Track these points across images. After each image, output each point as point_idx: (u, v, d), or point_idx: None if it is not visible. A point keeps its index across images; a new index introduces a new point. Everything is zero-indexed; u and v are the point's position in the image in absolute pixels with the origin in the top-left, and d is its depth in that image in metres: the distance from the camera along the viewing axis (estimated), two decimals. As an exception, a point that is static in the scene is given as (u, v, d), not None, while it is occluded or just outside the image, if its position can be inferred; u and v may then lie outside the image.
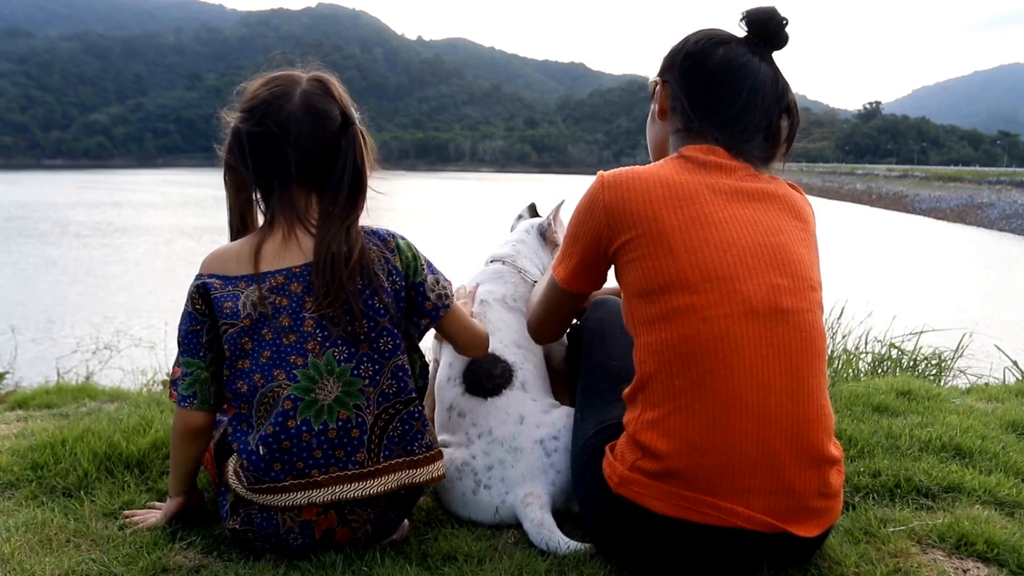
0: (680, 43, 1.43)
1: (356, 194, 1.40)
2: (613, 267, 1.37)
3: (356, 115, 1.45)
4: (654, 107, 1.48)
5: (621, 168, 1.35)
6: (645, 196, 1.28)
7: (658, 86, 1.46)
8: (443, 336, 1.58)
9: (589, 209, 1.34)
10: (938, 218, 38.38)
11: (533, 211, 2.18)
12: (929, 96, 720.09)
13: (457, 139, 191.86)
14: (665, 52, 1.47)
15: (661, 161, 1.36)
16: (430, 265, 1.48)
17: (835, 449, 1.27)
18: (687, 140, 1.38)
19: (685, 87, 1.39)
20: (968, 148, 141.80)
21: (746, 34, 1.39)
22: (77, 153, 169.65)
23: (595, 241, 1.34)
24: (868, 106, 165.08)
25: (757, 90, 1.34)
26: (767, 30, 1.37)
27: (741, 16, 1.39)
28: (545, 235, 2.05)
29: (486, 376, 1.65)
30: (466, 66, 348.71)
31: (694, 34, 1.43)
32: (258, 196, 1.43)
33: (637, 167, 1.34)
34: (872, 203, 48.04)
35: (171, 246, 22.91)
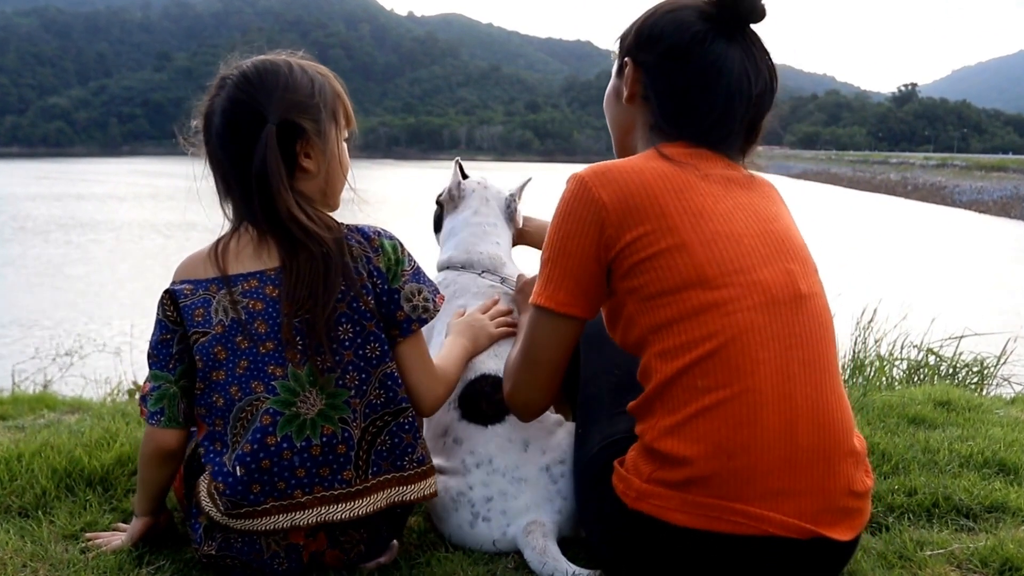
0: (652, 22, 1.39)
1: (272, 214, 1.35)
2: (609, 278, 1.32)
3: (304, 89, 1.40)
4: (621, 88, 1.45)
5: (596, 164, 1.32)
6: (645, 188, 1.27)
7: (628, 66, 1.43)
8: (396, 361, 1.42)
9: (579, 212, 1.29)
10: (980, 211, 38.38)
11: (461, 170, 1.94)
12: (970, 77, 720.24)
13: (452, 124, 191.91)
14: (631, 18, 1.43)
15: (640, 156, 1.35)
16: (417, 273, 1.45)
17: (858, 442, 1.31)
18: (659, 136, 1.39)
19: (660, 86, 1.38)
20: (1013, 134, 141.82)
21: (716, 11, 1.34)
22: (34, 140, 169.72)
23: (593, 247, 1.29)
24: (903, 88, 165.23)
25: (735, 89, 1.34)
26: (742, 8, 1.35)
27: None
28: (512, 214, 1.88)
29: (486, 400, 1.60)
30: (461, 44, 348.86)
31: (665, 13, 1.38)
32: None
33: (615, 161, 1.33)
34: (907, 195, 48.02)
35: (141, 243, 22.89)
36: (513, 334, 1.70)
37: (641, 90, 1.41)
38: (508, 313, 1.74)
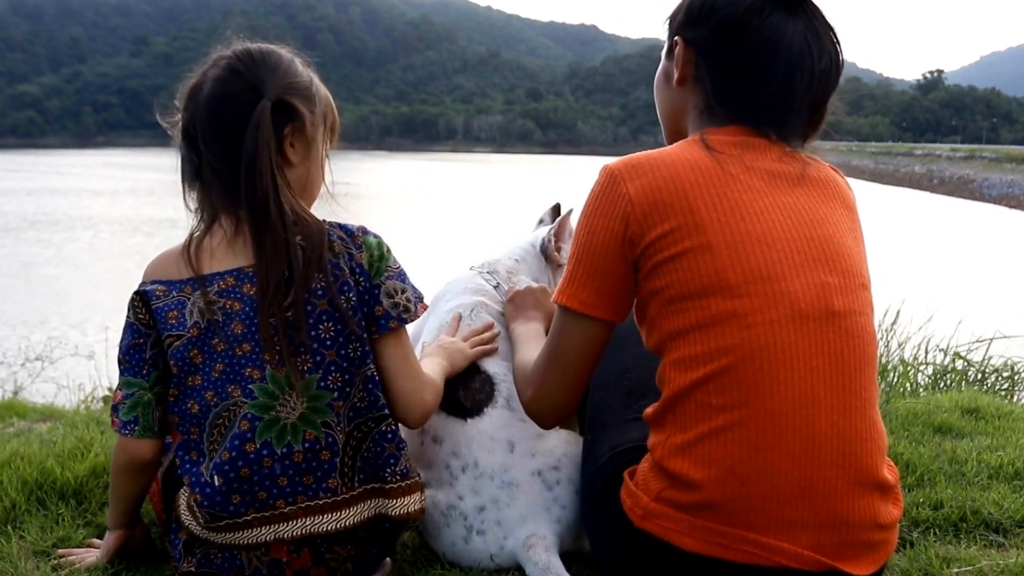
0: None
1: (253, 192, 1.34)
2: (635, 276, 1.31)
3: (303, 79, 1.43)
4: (671, 70, 1.43)
5: (631, 155, 1.30)
6: (674, 183, 1.24)
7: (677, 46, 1.40)
8: (377, 362, 1.43)
9: (606, 207, 1.28)
10: (1011, 206, 38.37)
11: (557, 214, 2.07)
12: (1000, 63, 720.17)
13: (448, 113, 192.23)
14: None
15: (681, 144, 1.32)
16: (401, 274, 1.46)
17: (889, 473, 1.28)
18: (711, 120, 1.36)
19: (714, 63, 1.35)
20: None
21: None
22: (3, 130, 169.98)
23: (619, 244, 1.27)
24: (928, 75, 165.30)
25: (795, 64, 1.31)
26: None
27: None
28: (546, 253, 1.96)
29: (463, 390, 1.62)
30: (458, 28, 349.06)
31: None
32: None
33: (651, 152, 1.32)
34: (933, 189, 48.03)
35: (118, 241, 22.88)
36: (489, 353, 1.71)
37: (693, 71, 1.38)
38: (485, 330, 1.75)
